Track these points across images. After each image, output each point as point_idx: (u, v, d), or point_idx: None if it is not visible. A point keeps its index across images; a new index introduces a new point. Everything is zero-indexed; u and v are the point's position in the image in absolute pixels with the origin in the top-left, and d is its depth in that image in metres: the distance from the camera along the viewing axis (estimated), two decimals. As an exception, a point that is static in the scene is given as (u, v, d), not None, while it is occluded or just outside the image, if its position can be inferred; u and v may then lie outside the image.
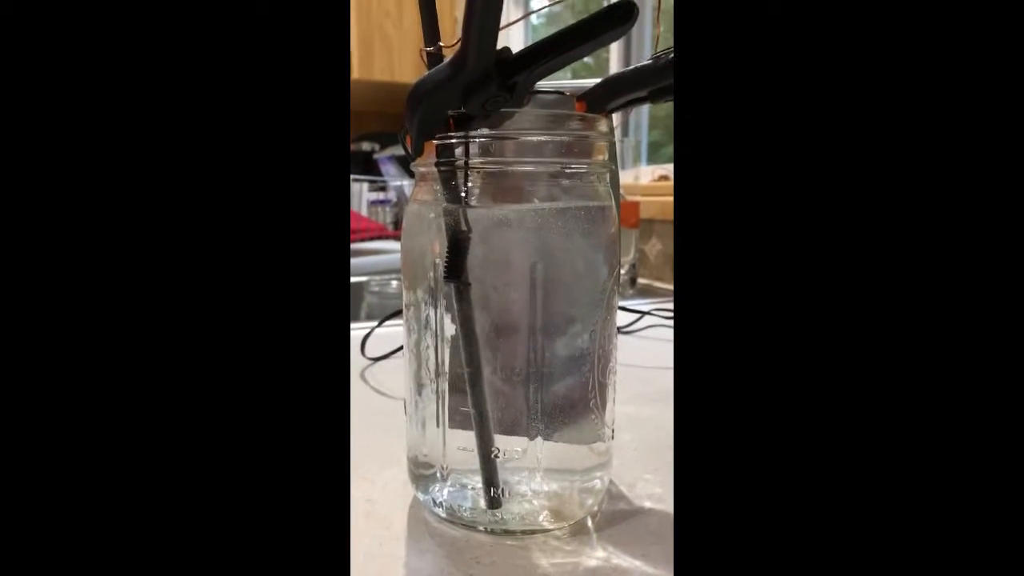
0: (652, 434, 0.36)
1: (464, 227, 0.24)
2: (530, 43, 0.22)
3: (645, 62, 0.25)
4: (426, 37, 0.24)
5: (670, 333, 0.61)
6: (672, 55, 0.23)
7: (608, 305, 0.26)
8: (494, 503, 0.25)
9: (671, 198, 0.97)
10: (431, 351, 0.25)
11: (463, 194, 0.24)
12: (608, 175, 0.26)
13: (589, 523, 0.26)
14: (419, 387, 0.26)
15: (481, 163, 0.24)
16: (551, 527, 0.26)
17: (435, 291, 0.25)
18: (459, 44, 0.21)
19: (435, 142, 0.24)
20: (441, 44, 0.24)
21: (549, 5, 0.28)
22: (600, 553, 0.24)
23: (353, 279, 0.97)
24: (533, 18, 1.57)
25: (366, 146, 1.75)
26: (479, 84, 0.21)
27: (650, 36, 1.26)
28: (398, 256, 0.28)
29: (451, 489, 0.26)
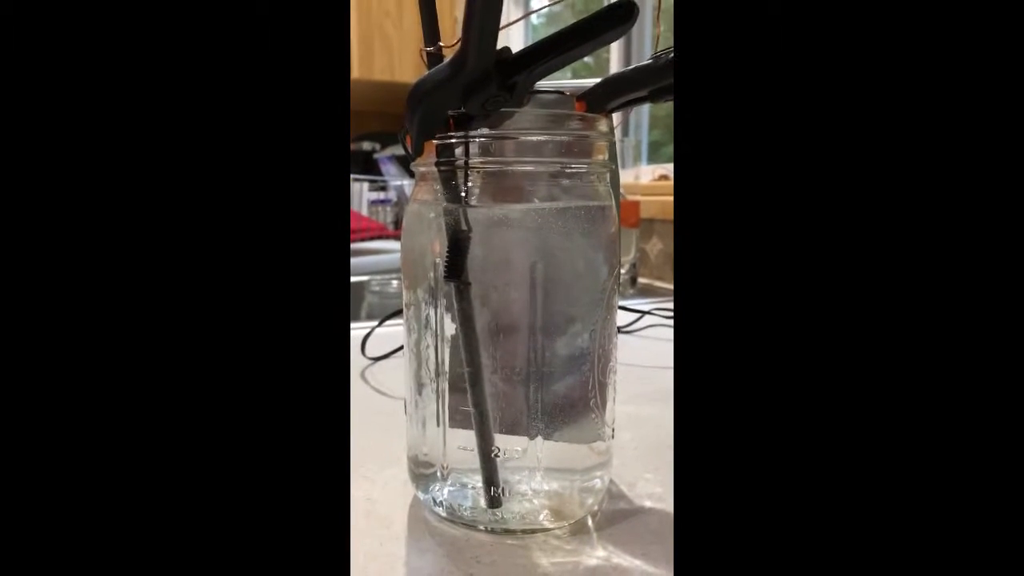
0: (652, 433, 0.36)
1: (464, 227, 0.24)
2: (530, 43, 0.22)
3: (645, 62, 0.25)
4: (426, 37, 0.24)
5: (670, 333, 0.61)
6: (672, 55, 0.24)
7: (608, 304, 0.26)
8: (494, 502, 0.25)
9: (671, 197, 0.97)
10: (431, 350, 0.26)
11: (463, 194, 0.24)
12: (608, 175, 0.26)
13: (589, 522, 0.26)
14: (419, 386, 0.26)
15: (481, 163, 0.24)
16: (551, 526, 0.26)
17: (435, 291, 0.25)
18: (459, 44, 0.21)
19: (435, 142, 0.24)
20: (441, 44, 0.24)
21: (549, 5, 0.28)
22: (600, 552, 0.24)
23: (353, 279, 0.97)
24: (533, 18, 1.57)
25: (366, 146, 1.75)
26: (479, 84, 0.21)
27: (650, 36, 1.26)
28: (398, 256, 0.28)
29: (451, 488, 0.26)
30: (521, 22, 1.49)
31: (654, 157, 1.32)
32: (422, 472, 0.27)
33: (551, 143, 0.24)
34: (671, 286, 0.93)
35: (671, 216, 0.96)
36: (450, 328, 0.25)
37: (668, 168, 1.12)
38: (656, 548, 0.25)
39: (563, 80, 0.36)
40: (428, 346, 0.26)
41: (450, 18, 1.28)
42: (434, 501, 0.26)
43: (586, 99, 0.25)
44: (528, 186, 0.24)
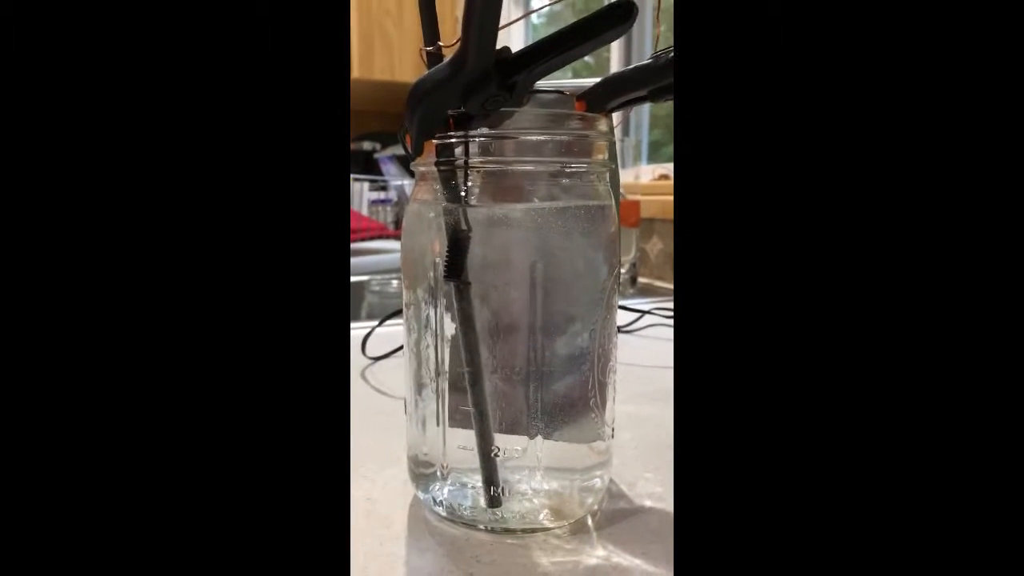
0: (652, 433, 0.36)
1: (464, 226, 0.24)
2: (530, 42, 0.22)
3: (645, 61, 0.25)
4: (426, 36, 0.24)
5: (670, 332, 0.61)
6: (672, 54, 0.24)
7: (608, 304, 0.26)
8: (494, 502, 0.25)
9: (671, 197, 0.97)
10: (431, 350, 0.26)
11: (463, 193, 0.24)
12: (608, 174, 0.26)
13: (589, 522, 0.26)
14: (419, 386, 0.26)
15: (481, 162, 0.24)
16: (551, 526, 0.26)
17: (435, 290, 0.25)
18: (459, 43, 0.21)
19: (435, 141, 0.24)
20: (441, 44, 0.24)
21: (549, 4, 0.28)
22: (600, 552, 0.24)
23: (354, 278, 0.97)
24: (534, 17, 1.57)
25: (367, 145, 1.75)
26: (479, 83, 0.21)
27: (651, 35, 1.26)
28: (398, 255, 0.28)
29: (451, 488, 0.26)
30: (521, 22, 1.49)
31: (654, 157, 1.32)
32: (422, 472, 0.27)
33: (551, 143, 0.24)
34: (671, 286, 0.93)
35: (671, 216, 0.96)
36: (450, 328, 0.25)
37: (668, 168, 1.12)
38: (656, 547, 0.25)
39: (563, 80, 0.36)
40: (428, 346, 0.26)
41: (451, 18, 1.28)
42: (434, 501, 0.26)
43: (586, 99, 0.25)
44: (528, 186, 0.24)
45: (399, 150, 1.63)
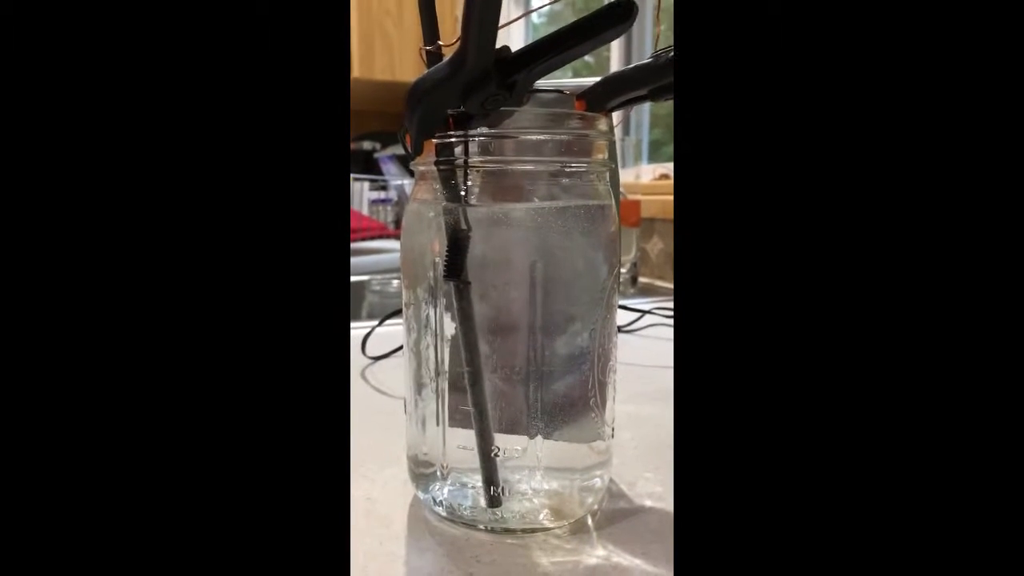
0: (652, 433, 0.36)
1: (464, 226, 0.24)
2: (530, 42, 0.22)
3: (645, 60, 0.24)
4: (425, 36, 0.24)
5: (671, 332, 0.61)
6: (672, 53, 0.23)
7: (608, 304, 0.26)
8: (494, 502, 0.25)
9: (672, 197, 0.96)
10: (431, 350, 0.26)
11: (463, 193, 0.24)
12: (608, 174, 0.26)
13: (589, 521, 0.26)
14: (419, 386, 0.26)
15: (481, 162, 0.24)
16: (551, 525, 0.26)
17: (435, 290, 0.25)
18: (458, 43, 0.21)
19: (435, 141, 0.24)
20: (440, 43, 0.24)
21: (549, 3, 0.28)
22: (600, 551, 0.24)
23: (354, 278, 0.97)
24: (534, 17, 1.57)
25: (367, 145, 1.75)
26: (478, 83, 0.21)
27: (651, 34, 1.26)
28: (399, 255, 0.28)
29: (451, 488, 0.26)
30: (522, 21, 1.49)
31: (655, 156, 1.32)
32: (422, 471, 0.27)
33: (551, 142, 0.24)
34: (671, 285, 0.93)
35: (672, 215, 0.96)
36: (450, 327, 0.25)
37: (669, 167, 1.12)
38: (656, 547, 0.25)
39: (563, 79, 0.36)
40: (428, 345, 0.26)
41: (451, 17, 1.28)
42: (434, 500, 0.26)
43: (586, 98, 0.25)
44: (528, 185, 0.24)
45: (399, 150, 1.63)
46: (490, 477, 0.25)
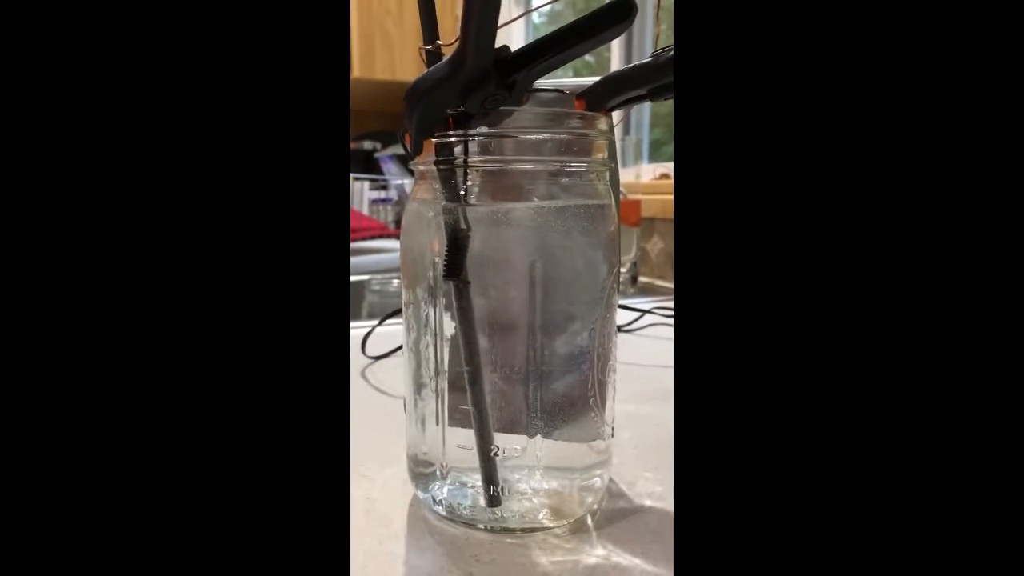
0: (652, 432, 0.36)
1: (463, 225, 0.24)
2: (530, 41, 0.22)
3: (644, 60, 0.24)
4: (425, 35, 0.24)
5: (671, 331, 0.61)
6: (671, 53, 0.23)
7: (607, 303, 0.26)
8: (494, 501, 0.25)
9: (672, 196, 0.96)
10: (431, 349, 0.26)
11: (462, 192, 0.24)
12: (608, 173, 0.26)
13: (589, 521, 0.26)
14: (419, 385, 0.26)
15: (480, 161, 0.24)
16: (551, 525, 0.26)
17: (434, 289, 0.25)
18: (457, 42, 0.21)
19: (434, 140, 0.24)
20: (440, 42, 0.24)
21: (549, 2, 0.28)
22: (600, 551, 0.24)
23: (354, 278, 0.97)
24: (535, 16, 1.57)
25: (367, 145, 1.75)
26: (478, 82, 0.21)
27: (651, 34, 1.25)
28: (399, 255, 0.28)
29: (451, 487, 0.26)
30: (523, 21, 1.49)
31: (655, 156, 1.32)
32: (421, 471, 0.27)
33: (550, 141, 0.24)
34: (671, 285, 0.93)
35: (672, 215, 0.96)
36: (449, 327, 0.25)
37: (669, 167, 1.12)
38: (655, 547, 0.25)
39: (563, 78, 0.36)
40: (427, 345, 0.26)
41: (451, 17, 1.28)
42: (433, 500, 0.26)
43: (586, 97, 0.25)
44: (527, 185, 0.24)
45: (400, 149, 1.63)
46: (490, 476, 0.25)
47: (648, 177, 1.12)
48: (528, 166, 0.24)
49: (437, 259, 0.24)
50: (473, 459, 0.25)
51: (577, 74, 1.25)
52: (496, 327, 0.24)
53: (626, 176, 1.01)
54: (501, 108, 0.22)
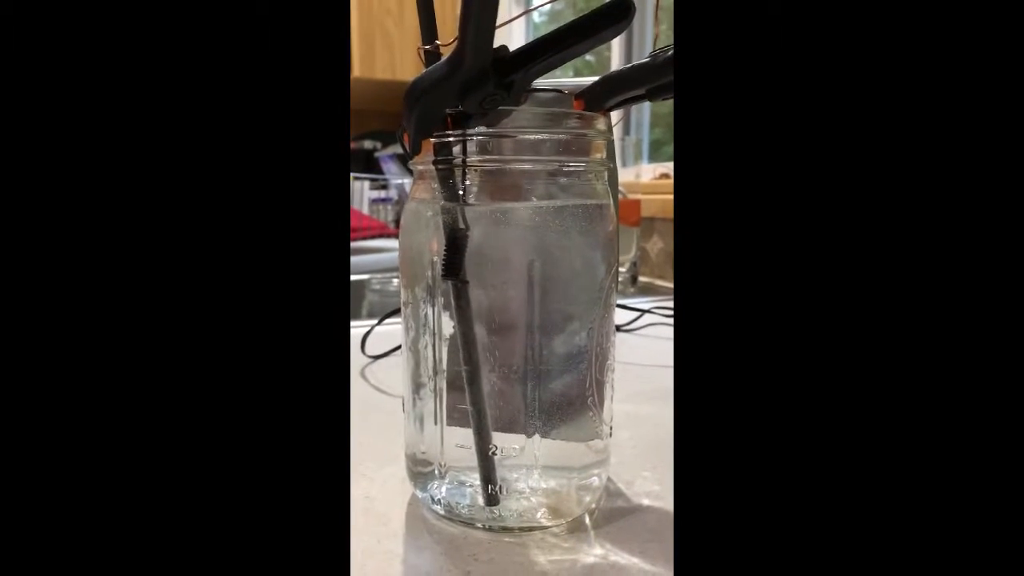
0: (651, 432, 0.36)
1: (462, 225, 0.24)
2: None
3: (643, 60, 0.25)
4: (424, 35, 0.24)
5: (670, 331, 0.61)
6: (670, 53, 0.24)
7: (606, 303, 0.26)
8: (492, 500, 0.25)
9: (672, 196, 0.96)
10: (429, 349, 0.26)
11: (461, 192, 0.24)
12: (606, 173, 0.26)
13: (587, 520, 0.26)
14: (417, 385, 0.26)
15: (479, 161, 0.24)
16: (549, 524, 0.26)
17: (433, 289, 0.25)
18: (456, 42, 0.21)
19: (433, 140, 0.24)
20: (438, 42, 0.24)
21: (548, 2, 0.28)
22: (598, 550, 0.24)
23: (354, 277, 0.97)
24: (535, 16, 1.57)
25: (368, 144, 1.75)
26: (476, 82, 0.21)
27: (651, 34, 1.25)
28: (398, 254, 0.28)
29: (449, 486, 0.26)
30: (523, 20, 1.49)
31: (655, 155, 1.32)
32: (420, 470, 0.27)
33: (549, 141, 0.24)
34: (671, 285, 0.93)
35: (672, 215, 0.96)
36: (448, 326, 0.25)
37: (669, 167, 1.12)
38: (654, 546, 0.25)
39: (563, 78, 0.36)
40: (426, 344, 0.26)
41: (452, 16, 1.28)
42: (432, 499, 0.26)
43: (584, 97, 0.25)
44: (526, 184, 0.24)
45: (400, 149, 1.63)
46: (488, 476, 0.25)
47: (648, 177, 1.12)
48: (526, 166, 0.24)
49: (436, 259, 0.24)
50: (471, 458, 0.25)
51: (578, 74, 1.25)
52: (494, 326, 0.24)
53: (626, 176, 1.01)
54: (499, 108, 0.22)
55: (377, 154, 1.70)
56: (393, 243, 1.25)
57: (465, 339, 0.24)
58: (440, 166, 0.24)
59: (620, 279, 0.88)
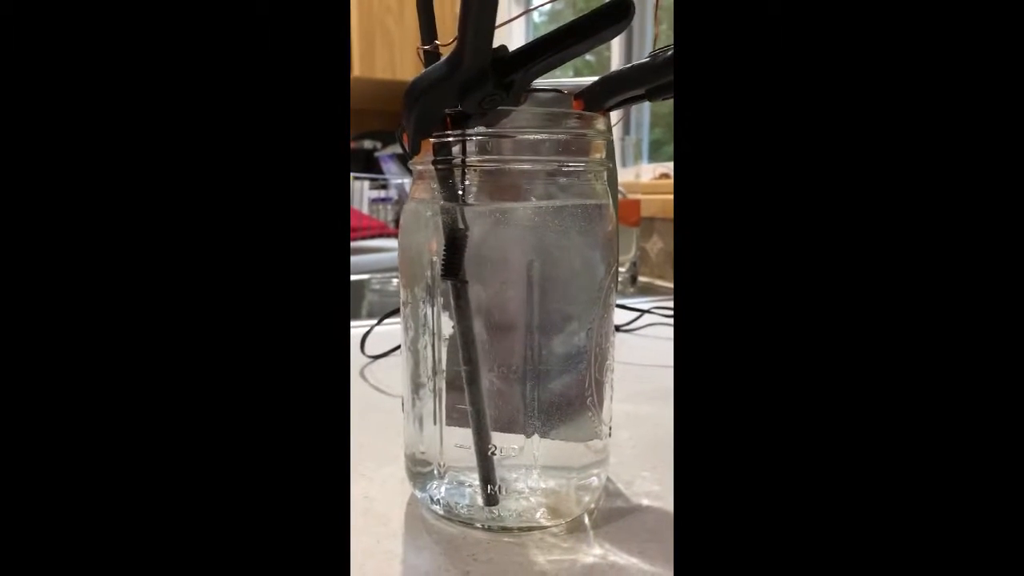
0: (650, 432, 0.36)
1: (461, 225, 0.24)
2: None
3: (643, 60, 0.25)
4: (423, 35, 0.24)
5: (670, 331, 0.61)
6: (669, 53, 0.24)
7: (605, 303, 0.26)
8: (491, 500, 0.25)
9: (672, 196, 0.96)
10: (428, 349, 0.26)
11: (460, 192, 0.24)
12: (605, 173, 0.26)
13: (586, 520, 0.26)
14: (417, 385, 0.26)
15: (478, 161, 0.24)
16: (548, 524, 0.26)
17: (432, 289, 0.25)
18: (455, 42, 0.21)
19: (432, 140, 0.24)
20: (438, 42, 0.24)
21: (548, 2, 0.28)
22: (597, 550, 0.24)
23: (354, 277, 0.97)
24: (535, 16, 1.57)
25: (367, 144, 1.75)
26: (476, 82, 0.21)
27: (651, 34, 1.25)
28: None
29: (448, 486, 0.26)
30: (523, 20, 1.49)
31: (655, 155, 1.32)
32: (419, 470, 0.27)
33: (548, 141, 0.24)
34: (671, 285, 0.93)
35: (672, 215, 0.96)
36: (447, 326, 0.25)
37: (669, 167, 1.12)
38: (653, 546, 0.25)
39: (563, 78, 0.36)
40: (425, 344, 0.26)
41: (452, 16, 1.28)
42: (431, 499, 0.26)
43: (584, 97, 0.25)
44: (525, 184, 0.24)
45: (399, 149, 1.63)
46: (487, 476, 0.25)
47: (648, 177, 1.12)
48: (526, 166, 0.24)
49: (435, 259, 0.24)
50: (471, 458, 0.25)
51: (578, 73, 1.25)
52: (494, 327, 0.24)
53: (626, 176, 1.01)
54: (499, 108, 0.22)
55: (377, 154, 1.70)
56: (393, 243, 1.25)
57: (464, 339, 0.24)
58: (439, 166, 0.24)
59: (620, 279, 0.88)
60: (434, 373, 0.25)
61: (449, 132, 0.23)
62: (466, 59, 0.21)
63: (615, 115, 0.27)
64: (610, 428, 0.28)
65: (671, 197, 0.97)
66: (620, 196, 0.91)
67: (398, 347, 0.53)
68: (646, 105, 1.23)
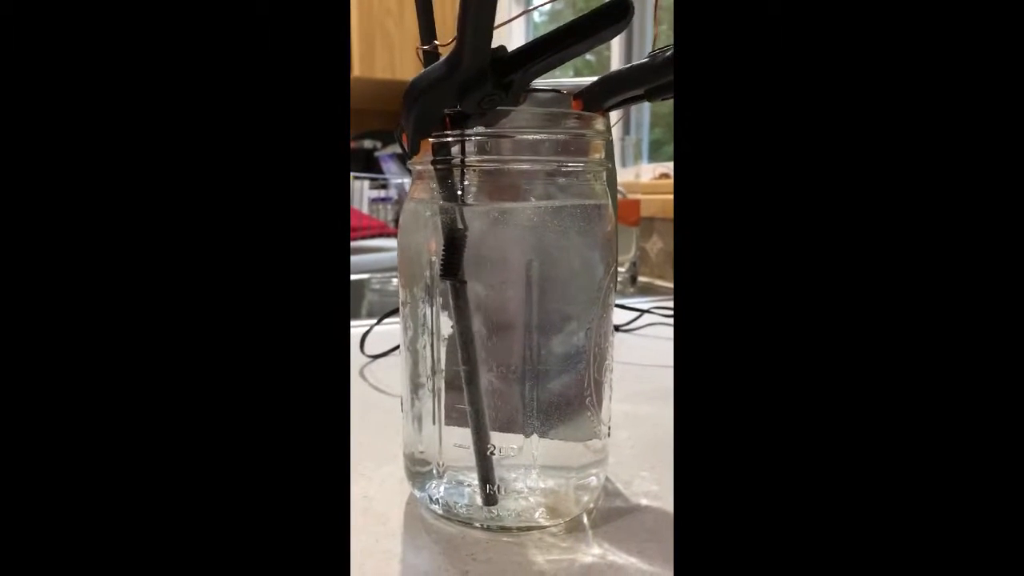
0: (649, 432, 0.36)
1: (460, 225, 0.24)
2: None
3: (642, 60, 0.25)
4: (422, 35, 0.24)
5: (670, 331, 0.61)
6: (668, 53, 0.24)
7: (604, 303, 0.26)
8: (490, 500, 0.25)
9: (672, 196, 0.96)
10: (428, 349, 0.26)
11: (459, 192, 0.24)
12: (605, 173, 0.26)
13: (585, 520, 0.26)
14: (416, 384, 0.26)
15: (477, 161, 0.24)
16: (547, 524, 0.26)
17: (431, 289, 0.25)
18: (454, 42, 0.21)
19: (431, 140, 0.24)
20: (437, 42, 0.24)
21: (548, 2, 0.28)
22: (596, 550, 0.24)
23: (354, 277, 0.97)
24: (536, 16, 1.57)
25: (367, 144, 1.75)
26: (475, 82, 0.21)
27: (651, 34, 1.25)
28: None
29: (447, 486, 0.26)
30: (523, 20, 1.49)
31: (655, 155, 1.32)
32: (418, 470, 0.27)
33: (547, 141, 0.24)
34: (671, 284, 0.93)
35: (671, 215, 0.96)
36: (446, 326, 0.25)
37: (669, 167, 1.12)
38: (652, 546, 0.25)
39: (563, 78, 0.36)
40: (424, 344, 0.26)
41: (452, 16, 1.28)
42: (430, 499, 0.27)
43: (583, 97, 0.25)
44: (524, 184, 0.24)
45: (399, 148, 1.63)
46: (486, 475, 0.25)
47: (648, 177, 1.12)
48: (525, 166, 0.24)
49: (434, 258, 0.24)
50: (470, 458, 0.25)
51: (578, 73, 1.24)
52: (493, 326, 0.24)
53: (626, 176, 1.01)
54: (498, 108, 0.22)
55: (377, 153, 1.70)
56: (392, 243, 1.25)
57: (463, 339, 0.24)
58: (438, 166, 0.24)
59: (619, 279, 0.88)
60: (433, 373, 0.26)
61: (448, 132, 0.23)
62: (465, 59, 0.21)
63: (615, 115, 0.27)
64: (609, 428, 0.28)
65: (671, 197, 0.97)
66: (620, 196, 0.91)
67: (397, 347, 0.53)
68: (646, 105, 1.23)
